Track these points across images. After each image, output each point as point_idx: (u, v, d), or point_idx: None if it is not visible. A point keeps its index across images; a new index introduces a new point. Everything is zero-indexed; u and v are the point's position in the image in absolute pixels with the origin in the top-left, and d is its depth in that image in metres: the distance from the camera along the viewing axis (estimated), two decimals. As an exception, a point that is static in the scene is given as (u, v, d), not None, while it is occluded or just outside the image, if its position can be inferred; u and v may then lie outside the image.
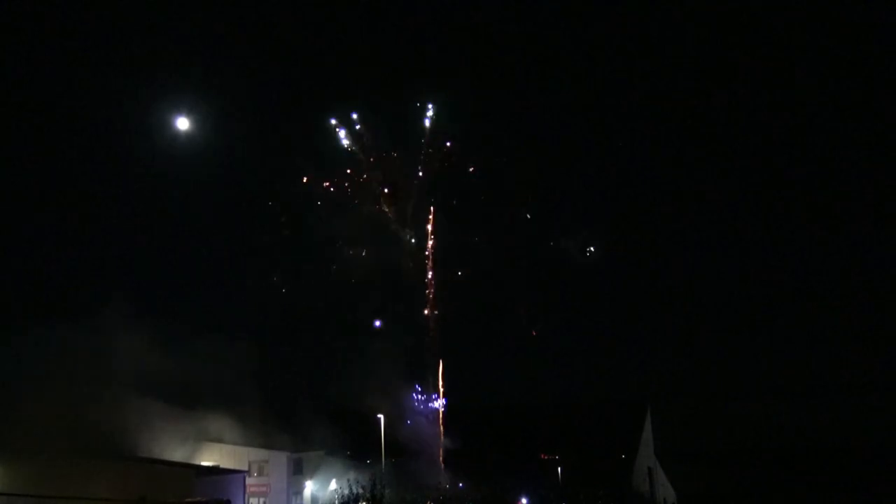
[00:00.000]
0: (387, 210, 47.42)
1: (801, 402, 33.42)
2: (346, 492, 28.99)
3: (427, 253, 47.61)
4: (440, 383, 46.05)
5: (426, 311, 46.65)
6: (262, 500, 33.77)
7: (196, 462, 31.52)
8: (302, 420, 38.32)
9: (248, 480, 31.78)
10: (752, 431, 30.39)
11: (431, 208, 47.89)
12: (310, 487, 36.15)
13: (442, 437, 45.94)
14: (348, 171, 46.91)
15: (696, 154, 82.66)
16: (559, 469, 45.02)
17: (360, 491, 28.63)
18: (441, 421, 46.14)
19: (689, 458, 28.69)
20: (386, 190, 46.85)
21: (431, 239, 47.79)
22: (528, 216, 47.29)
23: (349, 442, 40.63)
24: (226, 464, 32.13)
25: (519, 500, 39.83)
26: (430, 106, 46.74)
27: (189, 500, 23.60)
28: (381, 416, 38.97)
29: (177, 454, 31.40)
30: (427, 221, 47.88)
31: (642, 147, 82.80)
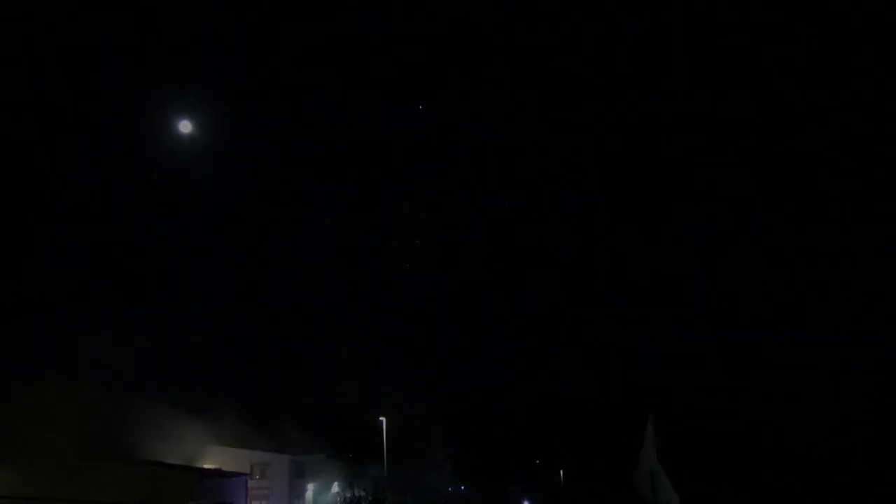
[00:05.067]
0: None
1: (803, 405, 33.38)
2: (349, 495, 28.96)
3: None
4: None
5: None
6: (263, 502, 33.70)
7: (198, 465, 31.46)
8: (303, 423, 38.31)
9: (250, 483, 31.73)
10: (754, 434, 30.35)
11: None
12: (311, 490, 36.12)
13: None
14: None
15: (696, 154, 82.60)
16: (561, 472, 44.95)
17: (363, 493, 28.60)
18: None
19: (692, 462, 28.64)
20: None
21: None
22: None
23: (351, 445, 40.61)
24: (227, 467, 32.06)
25: (521, 503, 39.77)
26: None
27: (191, 503, 23.54)
28: (383, 418, 38.92)
29: (178, 457, 31.35)
30: None
31: (643, 145, 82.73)
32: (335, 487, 36.10)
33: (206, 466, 31.62)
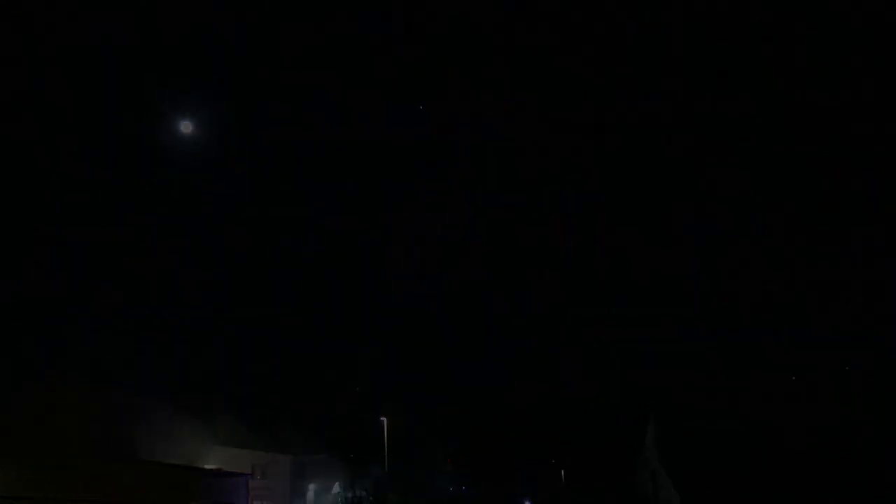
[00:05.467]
0: None
1: (803, 405, 33.46)
2: (350, 495, 29.01)
3: None
4: None
5: None
6: (264, 503, 33.71)
7: (198, 465, 31.48)
8: (304, 423, 38.32)
9: (251, 483, 31.74)
10: (755, 434, 30.40)
11: None
12: (312, 490, 36.13)
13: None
14: None
15: (696, 154, 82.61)
16: (562, 472, 44.99)
17: (364, 493, 28.65)
18: None
19: (692, 462, 28.69)
20: None
21: None
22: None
23: (351, 444, 40.61)
24: (228, 467, 32.08)
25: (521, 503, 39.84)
26: None
27: (192, 503, 23.58)
28: (383, 418, 38.92)
29: (178, 457, 31.37)
30: None
31: (643, 145, 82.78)
32: (336, 488, 36.12)
33: (207, 467, 31.63)
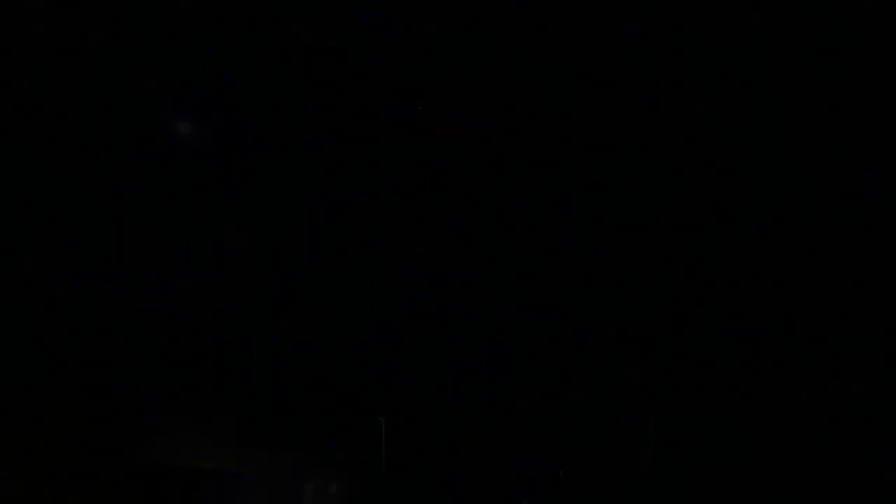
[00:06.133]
0: None
1: (803, 404, 33.53)
2: (349, 495, 29.07)
3: None
4: None
5: None
6: (263, 503, 33.81)
7: (197, 466, 31.53)
8: (304, 422, 38.36)
9: (249, 485, 31.81)
10: (755, 433, 30.41)
11: None
12: (311, 491, 36.21)
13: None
14: None
15: (695, 154, 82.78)
16: (560, 472, 45.07)
17: (363, 494, 28.70)
18: None
19: (692, 462, 28.70)
20: None
21: None
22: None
23: (351, 444, 40.72)
24: (228, 468, 32.15)
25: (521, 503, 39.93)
26: None
27: (190, 504, 23.57)
28: (381, 418, 39.00)
29: (177, 458, 31.39)
30: None
31: (643, 145, 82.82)
32: (334, 488, 36.20)
33: (206, 468, 31.65)
